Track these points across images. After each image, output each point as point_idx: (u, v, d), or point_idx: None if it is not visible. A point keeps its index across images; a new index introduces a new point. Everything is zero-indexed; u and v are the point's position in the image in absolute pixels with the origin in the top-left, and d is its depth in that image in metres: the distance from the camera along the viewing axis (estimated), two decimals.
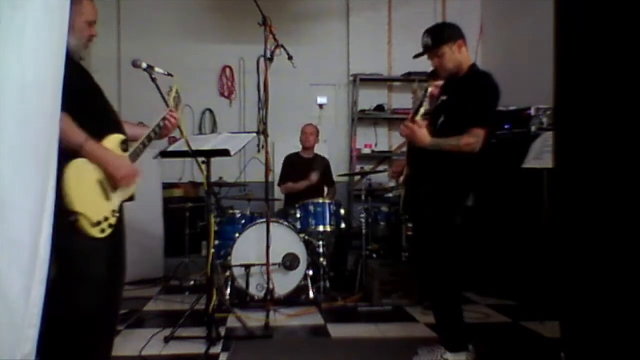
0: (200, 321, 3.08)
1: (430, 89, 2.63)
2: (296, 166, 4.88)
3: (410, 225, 4.46)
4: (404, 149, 6.01)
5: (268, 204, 3.58)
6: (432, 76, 3.85)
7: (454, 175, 2.59)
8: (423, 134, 2.58)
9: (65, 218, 1.85)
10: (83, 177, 1.95)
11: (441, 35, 2.64)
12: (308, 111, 6.08)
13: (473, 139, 2.48)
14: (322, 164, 4.93)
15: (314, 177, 4.68)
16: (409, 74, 5.85)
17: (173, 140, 4.86)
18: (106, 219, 2.02)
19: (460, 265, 2.66)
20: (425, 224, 2.67)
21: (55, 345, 1.90)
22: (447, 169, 2.58)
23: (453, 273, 2.61)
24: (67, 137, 1.88)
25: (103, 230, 2.00)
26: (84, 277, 1.99)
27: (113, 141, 2.11)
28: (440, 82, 3.77)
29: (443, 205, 2.59)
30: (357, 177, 5.68)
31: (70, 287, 1.94)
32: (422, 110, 2.60)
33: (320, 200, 4.31)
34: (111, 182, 2.06)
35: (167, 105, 2.48)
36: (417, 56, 2.77)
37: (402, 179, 2.93)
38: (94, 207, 1.98)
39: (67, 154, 1.86)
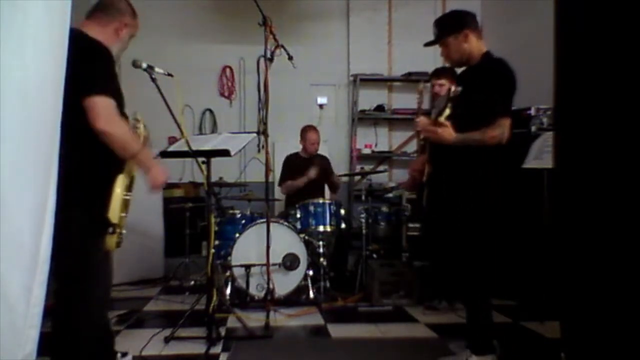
0: (200, 321, 3.08)
1: (453, 89, 2.50)
2: (295, 166, 4.87)
3: (415, 225, 4.48)
4: (404, 149, 6.06)
5: (268, 204, 3.58)
6: (435, 74, 3.87)
7: (477, 170, 2.54)
8: (447, 133, 2.49)
9: (103, 227, 2.01)
10: (121, 191, 2.09)
11: (444, 27, 2.64)
12: (308, 111, 6.08)
13: (498, 131, 2.43)
14: (322, 162, 4.92)
15: (312, 172, 4.65)
16: (409, 74, 5.86)
17: (173, 140, 4.86)
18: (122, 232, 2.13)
19: (489, 265, 2.61)
20: (452, 223, 2.61)
21: (69, 347, 2.03)
22: (469, 165, 2.54)
23: (482, 273, 2.58)
24: (127, 144, 2.04)
25: (120, 241, 2.10)
26: (102, 282, 2.15)
27: None
28: (443, 81, 3.79)
29: (468, 203, 2.54)
30: (357, 177, 5.68)
31: (90, 291, 2.07)
32: (446, 113, 2.47)
33: (320, 200, 4.30)
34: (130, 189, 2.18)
35: (168, 107, 2.49)
36: (427, 44, 2.75)
37: (424, 177, 2.92)
38: (122, 220, 2.10)
39: (110, 160, 2.02)
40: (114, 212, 2.04)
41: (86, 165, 2.01)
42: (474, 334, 2.62)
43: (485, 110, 2.45)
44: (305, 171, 4.71)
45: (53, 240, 1.97)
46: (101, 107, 1.94)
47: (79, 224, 1.99)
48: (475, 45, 2.60)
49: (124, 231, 2.12)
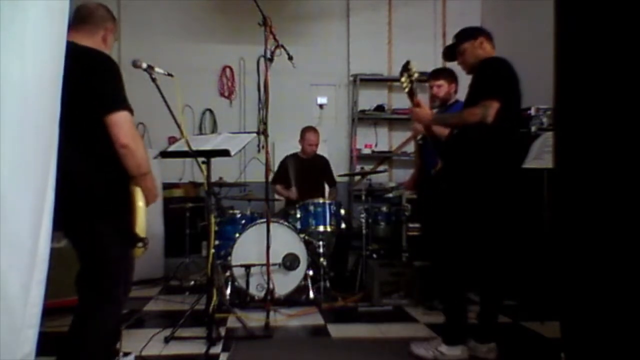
0: (200, 321, 3.08)
1: (414, 65, 2.76)
2: (294, 168, 4.87)
3: (415, 225, 4.49)
4: (404, 149, 6.05)
5: (268, 204, 3.58)
6: (433, 75, 3.87)
7: (484, 163, 2.60)
8: (424, 112, 2.73)
9: (133, 242, 2.10)
10: (143, 204, 2.16)
11: (462, 34, 2.83)
12: (308, 111, 6.08)
13: (479, 109, 2.49)
14: (320, 163, 4.93)
15: (293, 194, 4.74)
16: None
17: (173, 140, 4.87)
18: None
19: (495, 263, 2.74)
20: (460, 216, 2.67)
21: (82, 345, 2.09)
22: (476, 158, 2.61)
23: (463, 267, 2.67)
24: (142, 163, 2.08)
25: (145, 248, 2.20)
26: (129, 282, 2.28)
27: None
28: (440, 82, 3.79)
29: (474, 198, 2.61)
30: (357, 177, 5.68)
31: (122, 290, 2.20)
32: (403, 79, 2.78)
33: (320, 200, 4.31)
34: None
35: (168, 107, 2.50)
36: (445, 56, 2.93)
37: (433, 171, 3.02)
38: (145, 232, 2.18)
39: (121, 176, 2.07)
40: (141, 226, 2.11)
41: (109, 180, 2.07)
42: (448, 325, 2.74)
43: (478, 97, 2.56)
44: (304, 174, 4.74)
45: (81, 248, 2.10)
46: (124, 123, 1.99)
47: (109, 237, 2.07)
48: (488, 52, 2.77)
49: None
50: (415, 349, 2.76)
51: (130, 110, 2.05)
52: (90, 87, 1.97)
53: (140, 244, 2.11)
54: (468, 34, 2.80)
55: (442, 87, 3.80)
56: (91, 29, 2.19)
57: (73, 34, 2.14)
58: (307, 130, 4.89)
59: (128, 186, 2.13)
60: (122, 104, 2.02)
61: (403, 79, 2.77)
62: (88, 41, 2.14)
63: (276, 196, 5.11)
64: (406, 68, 2.76)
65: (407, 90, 2.76)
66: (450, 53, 2.89)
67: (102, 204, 2.04)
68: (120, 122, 1.99)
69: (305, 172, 4.82)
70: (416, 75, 2.74)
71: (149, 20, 5.88)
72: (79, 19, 2.21)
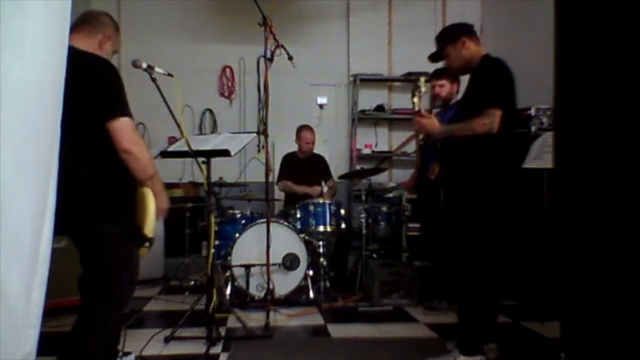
0: (200, 321, 3.08)
1: (422, 80, 2.72)
2: (293, 166, 4.87)
3: (415, 225, 4.49)
4: (404, 149, 6.05)
5: (268, 204, 3.58)
6: (435, 75, 3.87)
7: (483, 167, 2.57)
8: (431, 123, 2.66)
9: (141, 242, 2.13)
10: (154, 206, 2.19)
11: (443, 38, 2.77)
12: (308, 111, 6.08)
13: (487, 119, 2.46)
14: (317, 162, 4.92)
15: (315, 192, 4.61)
16: (409, 74, 5.86)
17: (173, 140, 4.87)
18: None
19: (496, 264, 2.67)
20: (461, 222, 2.65)
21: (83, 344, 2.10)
22: (475, 161, 2.58)
23: (488, 272, 2.61)
24: (147, 166, 2.10)
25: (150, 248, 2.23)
26: (133, 282, 2.24)
27: None
28: (443, 82, 3.79)
29: (474, 202, 2.58)
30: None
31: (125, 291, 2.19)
32: (415, 100, 2.70)
33: (320, 200, 4.31)
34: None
35: (168, 107, 2.50)
36: (432, 59, 2.89)
37: (432, 177, 2.99)
38: (154, 232, 2.21)
39: (124, 178, 2.08)
40: (150, 227, 2.14)
41: (110, 182, 2.08)
42: (465, 333, 2.66)
43: (479, 103, 2.52)
44: (301, 173, 4.75)
45: (82, 250, 2.11)
46: (125, 129, 2.01)
47: (110, 239, 2.08)
48: (474, 50, 2.71)
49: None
50: None
51: (131, 116, 2.05)
52: (90, 93, 1.98)
53: (147, 244, 2.13)
54: (449, 37, 2.73)
55: (444, 87, 3.79)
56: (89, 30, 2.20)
57: (72, 36, 2.15)
58: (302, 128, 4.88)
59: (131, 188, 2.13)
60: (123, 109, 2.03)
61: (415, 100, 2.71)
62: (84, 42, 2.14)
63: (276, 195, 5.10)
64: (417, 86, 2.72)
65: (417, 109, 2.71)
66: (435, 55, 2.84)
67: (103, 207, 2.05)
68: (121, 128, 2.00)
69: (304, 171, 4.81)
70: (424, 89, 2.72)
71: (149, 20, 5.88)
72: (80, 20, 2.22)
